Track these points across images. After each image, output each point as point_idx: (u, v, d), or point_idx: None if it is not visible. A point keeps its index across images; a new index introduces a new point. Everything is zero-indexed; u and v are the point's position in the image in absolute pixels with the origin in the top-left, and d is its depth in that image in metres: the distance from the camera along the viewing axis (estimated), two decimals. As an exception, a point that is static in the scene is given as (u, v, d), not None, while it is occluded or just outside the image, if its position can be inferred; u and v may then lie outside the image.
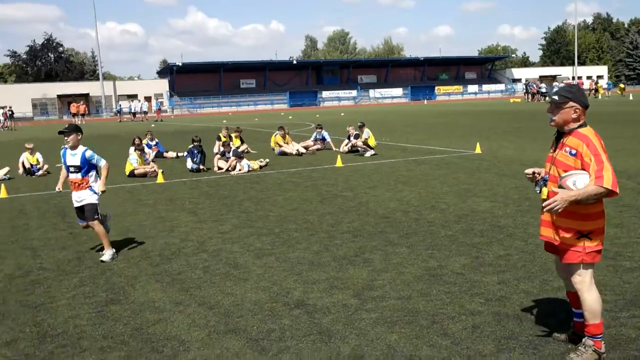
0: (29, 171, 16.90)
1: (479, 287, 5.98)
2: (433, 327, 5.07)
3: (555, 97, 4.27)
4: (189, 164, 16.27)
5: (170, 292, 6.30)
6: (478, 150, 17.42)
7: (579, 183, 4.08)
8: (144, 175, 15.45)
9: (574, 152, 4.18)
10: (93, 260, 7.68)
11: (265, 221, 9.54)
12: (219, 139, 19.33)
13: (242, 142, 20.48)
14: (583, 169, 4.12)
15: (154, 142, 20.59)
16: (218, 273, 6.89)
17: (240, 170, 15.40)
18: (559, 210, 4.10)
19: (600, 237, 4.29)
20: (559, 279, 5.70)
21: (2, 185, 13.86)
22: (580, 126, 4.26)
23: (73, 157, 7.80)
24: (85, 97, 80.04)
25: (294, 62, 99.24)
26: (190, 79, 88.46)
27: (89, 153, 7.80)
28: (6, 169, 16.48)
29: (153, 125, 43.10)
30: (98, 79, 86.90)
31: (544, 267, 6.48)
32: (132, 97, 75.79)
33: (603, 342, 4.35)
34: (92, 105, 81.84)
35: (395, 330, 5.05)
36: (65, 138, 7.74)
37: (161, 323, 5.47)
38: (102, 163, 7.85)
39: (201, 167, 16.08)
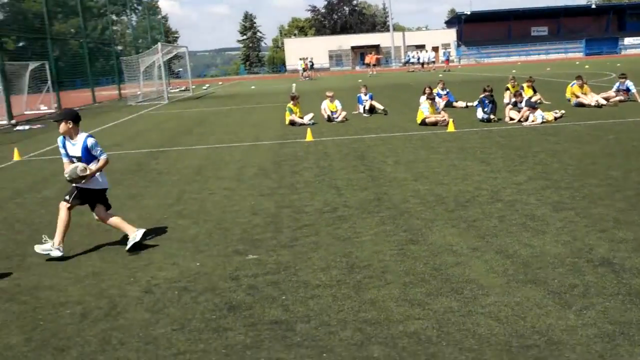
0: (330, 118, 18.26)
1: None
2: None
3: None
4: (480, 113, 16.15)
5: (467, 238, 6.44)
6: None
7: None
8: (434, 123, 15.74)
9: None
10: (391, 202, 8.14)
11: (563, 174, 9.15)
12: (508, 89, 18.92)
13: (535, 92, 19.68)
14: None
15: (444, 92, 20.78)
16: (514, 223, 6.84)
17: (533, 121, 14.87)
18: None
19: None
20: None
21: (309, 129, 15.22)
22: None
23: (73, 147, 6.78)
24: (375, 48, 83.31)
25: (592, 6, 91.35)
26: (478, 28, 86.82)
27: (90, 141, 6.72)
28: (311, 115, 18.02)
29: (441, 75, 43.32)
30: (388, 31, 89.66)
31: None
32: (420, 47, 76.87)
33: None
34: (382, 56, 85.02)
35: None
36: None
37: (459, 266, 5.64)
38: (103, 157, 6.89)
39: (492, 117, 15.86)
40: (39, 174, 11.95)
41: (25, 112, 29.24)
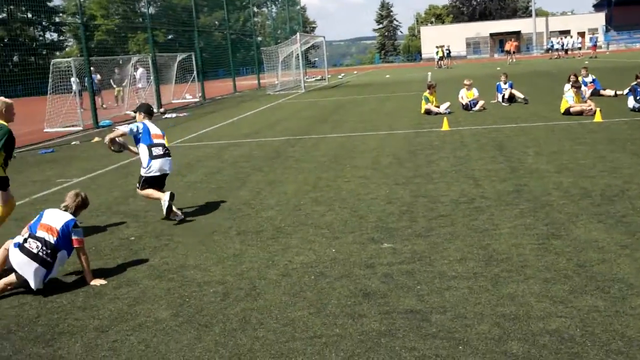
0: (467, 106, 17.84)
1: None
2: None
3: None
4: (631, 102, 15.11)
5: (615, 234, 6.07)
6: None
7: None
8: (580, 113, 14.93)
9: None
10: (532, 194, 7.83)
11: None
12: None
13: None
14: None
15: (590, 79, 19.65)
16: (669, 220, 6.37)
17: (692, 111, 13.72)
18: None
19: None
20: None
21: (445, 118, 14.97)
22: None
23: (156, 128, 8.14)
24: (516, 34, 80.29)
25: None
26: (630, 10, 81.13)
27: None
28: (447, 104, 17.70)
29: (587, 62, 40.99)
30: (530, 16, 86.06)
31: None
32: (564, 33, 73.10)
33: None
34: (522, 43, 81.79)
35: None
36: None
37: (606, 263, 5.33)
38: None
39: (644, 106, 14.80)
40: (183, 160, 12.64)
41: (172, 101, 30.99)
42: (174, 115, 24.54)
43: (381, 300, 4.92)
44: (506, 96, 18.94)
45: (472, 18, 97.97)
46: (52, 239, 5.54)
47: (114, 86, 29.71)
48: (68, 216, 5.80)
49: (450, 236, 6.41)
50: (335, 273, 5.58)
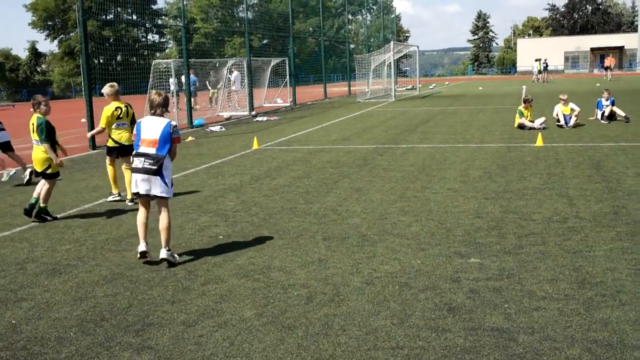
0: (562, 122, 17.24)
1: None
2: None
3: None
4: None
5: None
6: None
7: None
8: (686, 135, 14.16)
9: None
10: (630, 217, 7.48)
11: None
12: None
13: None
14: None
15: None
16: None
17: None
18: None
19: None
20: None
21: (539, 134, 14.53)
22: None
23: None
24: (619, 50, 77.07)
25: None
26: None
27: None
28: (542, 119, 17.18)
29: (695, 81, 38.87)
30: (635, 31, 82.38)
31: None
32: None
33: None
34: (625, 59, 78.46)
35: None
36: None
37: None
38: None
39: None
40: (273, 163, 12.86)
41: (264, 105, 31.60)
42: (265, 118, 25.00)
43: (466, 315, 4.82)
44: (606, 113, 18.19)
45: (572, 31, 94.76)
46: (153, 150, 6.39)
47: (209, 88, 30.58)
48: (164, 121, 6.46)
49: (541, 255, 6.21)
50: (419, 285, 5.52)
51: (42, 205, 8.49)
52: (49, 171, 8.53)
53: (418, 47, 46.06)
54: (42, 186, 8.55)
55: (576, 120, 17.18)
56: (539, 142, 13.85)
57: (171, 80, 23.78)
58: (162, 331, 4.75)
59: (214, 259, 6.51)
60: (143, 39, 72.49)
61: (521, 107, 17.37)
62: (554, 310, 4.85)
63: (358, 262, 6.23)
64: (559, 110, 17.61)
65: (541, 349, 4.23)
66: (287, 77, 33.80)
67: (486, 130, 17.21)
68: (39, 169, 8.59)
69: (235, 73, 29.15)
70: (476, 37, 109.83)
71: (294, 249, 6.77)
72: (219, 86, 29.02)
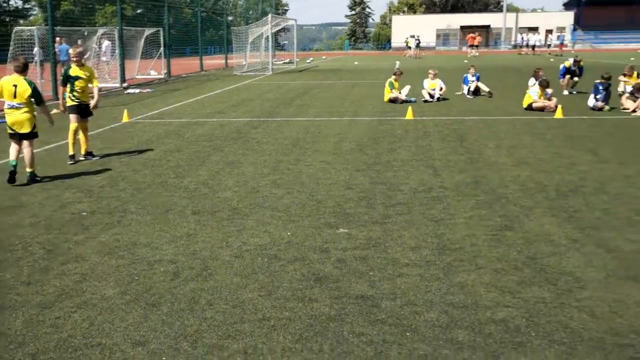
0: (429, 96, 17.87)
1: None
2: None
3: None
4: (591, 101, 15.36)
5: (566, 228, 6.16)
6: None
7: None
8: (541, 109, 15.11)
9: None
10: (489, 186, 7.90)
11: (678, 170, 8.58)
12: (624, 77, 17.94)
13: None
14: None
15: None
16: (619, 217, 6.48)
17: (649, 111, 14.01)
18: None
19: None
20: None
21: (410, 107, 14.99)
22: None
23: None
24: (486, 28, 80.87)
25: None
26: (598, 11, 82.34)
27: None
28: (408, 88, 17.83)
29: (552, 60, 41.59)
30: (501, 11, 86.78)
31: None
32: (533, 29, 73.88)
33: None
34: (491, 37, 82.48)
35: None
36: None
37: (555, 257, 5.41)
38: None
39: (603, 105, 15.03)
40: (144, 136, 12.45)
41: (136, 77, 30.48)
42: (137, 91, 24.12)
43: (333, 285, 4.90)
44: (472, 89, 19.07)
45: (444, 9, 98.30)
46: None
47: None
48: None
49: (406, 224, 6.43)
50: (288, 256, 5.55)
51: (31, 170, 8.58)
52: (35, 130, 8.65)
53: (296, 20, 46.08)
54: (26, 150, 8.54)
55: (440, 95, 17.90)
56: (409, 115, 14.30)
57: (35, 49, 22.33)
58: (15, 314, 4.48)
59: (76, 237, 6.21)
60: (5, 4, 67.58)
61: (392, 79, 17.82)
62: (416, 276, 5.04)
63: (228, 235, 6.16)
64: (427, 84, 18.24)
65: (402, 313, 4.38)
66: (162, 48, 32.74)
67: (360, 104, 17.55)
68: (28, 130, 8.52)
69: (106, 43, 27.87)
70: (353, 12, 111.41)
71: (162, 224, 6.59)
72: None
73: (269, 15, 36.72)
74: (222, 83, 27.49)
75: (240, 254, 5.62)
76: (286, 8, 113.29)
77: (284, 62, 46.22)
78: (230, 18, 54.73)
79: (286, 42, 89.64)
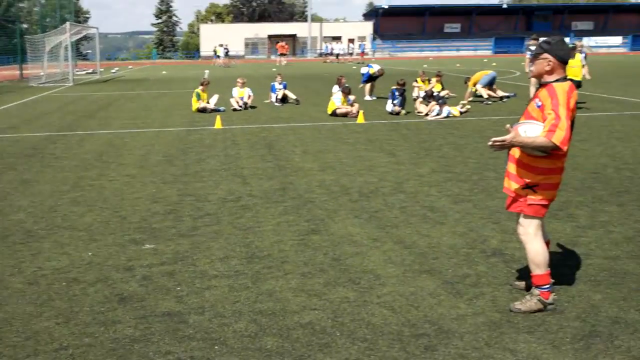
0: (237, 104, 17.95)
1: (702, 256, 5.42)
2: (644, 292, 4.71)
3: (533, 48, 4.19)
4: (389, 106, 16.34)
5: (368, 228, 6.47)
6: None
7: (530, 132, 4.11)
8: (345, 114, 15.81)
9: (539, 104, 4.18)
10: (296, 192, 8.08)
11: (464, 167, 9.38)
12: (417, 83, 19.42)
13: (443, 87, 20.13)
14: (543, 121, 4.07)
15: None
16: (415, 214, 6.94)
17: (438, 115, 15.19)
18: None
19: (547, 192, 4.32)
20: None
21: (218, 117, 14.94)
22: (557, 80, 4.18)
23: None
24: (292, 37, 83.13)
25: (504, 5, 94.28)
26: (394, 22, 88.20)
27: None
28: (216, 97, 17.78)
29: (354, 67, 43.72)
30: (306, 20, 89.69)
31: None
32: (337, 39, 77.24)
33: (552, 293, 4.41)
34: (297, 46, 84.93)
35: (599, 289, 4.78)
36: None
37: (358, 256, 5.65)
38: None
39: (400, 109, 16.07)
40: None
41: None
42: None
43: (138, 304, 4.71)
44: (279, 96, 19.45)
45: (251, 19, 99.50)
46: None
47: None
48: None
49: (215, 235, 6.37)
50: (90, 278, 5.25)
51: None
52: None
53: (98, 28, 44.13)
54: None
55: (249, 103, 18.08)
56: (218, 124, 14.25)
57: None
58: None
59: None
60: None
61: (199, 90, 17.65)
62: (225, 287, 5.00)
63: (21, 261, 5.69)
64: (237, 93, 18.31)
65: (210, 327, 4.32)
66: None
67: (168, 114, 17.17)
68: None
69: None
70: (160, 21, 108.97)
71: (-57, 253, 5.93)
72: None
73: (67, 24, 34.78)
74: (16, 96, 25.49)
75: (35, 280, 5.21)
76: (87, 16, 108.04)
77: (87, 72, 44.00)
78: (25, 26, 50.97)
79: (90, 51, 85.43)
